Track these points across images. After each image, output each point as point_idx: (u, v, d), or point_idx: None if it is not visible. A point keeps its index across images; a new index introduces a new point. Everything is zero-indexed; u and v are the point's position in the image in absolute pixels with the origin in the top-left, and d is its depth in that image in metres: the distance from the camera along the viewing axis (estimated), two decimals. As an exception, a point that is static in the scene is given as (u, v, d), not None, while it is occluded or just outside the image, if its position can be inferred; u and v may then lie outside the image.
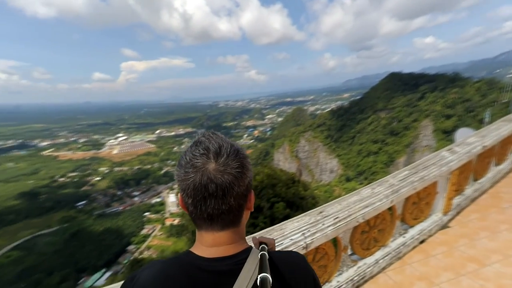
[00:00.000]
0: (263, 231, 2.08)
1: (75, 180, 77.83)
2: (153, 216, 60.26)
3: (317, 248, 2.09)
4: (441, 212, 3.19)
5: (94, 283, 37.32)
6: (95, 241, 48.73)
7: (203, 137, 0.68)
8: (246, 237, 0.78)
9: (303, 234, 1.98)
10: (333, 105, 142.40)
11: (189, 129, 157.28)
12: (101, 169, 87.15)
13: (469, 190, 3.76)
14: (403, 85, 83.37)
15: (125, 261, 42.78)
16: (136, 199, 68.66)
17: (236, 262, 0.66)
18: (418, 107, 72.21)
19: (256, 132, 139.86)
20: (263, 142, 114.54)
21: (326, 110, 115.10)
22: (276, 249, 1.74)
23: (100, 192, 69.95)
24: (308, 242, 1.94)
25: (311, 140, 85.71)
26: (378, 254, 2.52)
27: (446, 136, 59.60)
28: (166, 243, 48.51)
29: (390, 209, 2.67)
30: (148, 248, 48.21)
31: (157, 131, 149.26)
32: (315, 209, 2.32)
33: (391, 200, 2.53)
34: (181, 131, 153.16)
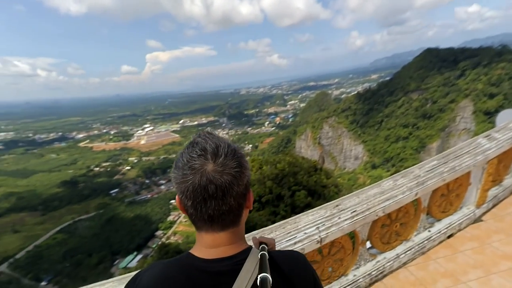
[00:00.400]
0: (277, 224, 2.11)
1: (108, 169, 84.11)
2: None
3: (332, 242, 2.08)
4: (474, 204, 2.97)
5: (127, 264, 40.57)
6: (127, 226, 52.65)
7: (199, 138, 0.68)
8: (246, 237, 0.80)
9: (318, 228, 1.98)
10: (359, 88, 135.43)
11: (211, 118, 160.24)
12: (131, 159, 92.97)
13: (508, 181, 3.44)
14: (440, 62, 76.21)
15: (154, 246, 45.90)
16: (162, 187, 72.61)
17: (235, 263, 0.66)
18: (457, 86, 66.01)
19: (277, 119, 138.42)
20: (284, 129, 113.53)
21: (352, 94, 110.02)
22: (288, 244, 1.75)
23: (130, 180, 75.09)
24: (322, 236, 1.94)
25: (335, 126, 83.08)
26: (400, 249, 2.44)
27: (488, 118, 54.24)
28: (190, 229, 50.51)
29: (414, 201, 2.55)
30: (174, 233, 51.14)
31: (181, 121, 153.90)
32: (331, 202, 2.28)
33: (416, 193, 2.41)
34: (204, 120, 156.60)
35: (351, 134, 79.10)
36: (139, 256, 43.28)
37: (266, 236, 1.03)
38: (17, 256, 44.59)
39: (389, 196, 2.30)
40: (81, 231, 51.65)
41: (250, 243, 0.81)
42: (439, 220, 2.79)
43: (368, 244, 2.44)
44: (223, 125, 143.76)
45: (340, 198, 2.34)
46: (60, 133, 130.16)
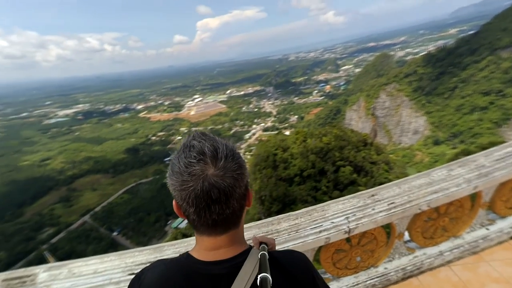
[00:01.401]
0: (303, 210, 2.13)
1: (162, 139, 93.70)
2: None
3: (363, 232, 2.03)
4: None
5: (177, 225, 45.56)
6: None
7: (194, 140, 0.67)
8: (246, 236, 0.79)
9: (347, 218, 1.94)
10: (431, 47, 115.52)
11: (258, 87, 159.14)
12: (182, 129, 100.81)
13: None
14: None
15: None
16: None
17: (234, 265, 0.67)
18: None
19: (328, 87, 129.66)
20: (334, 98, 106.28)
21: (420, 54, 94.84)
22: (312, 232, 1.76)
23: None
24: (351, 227, 1.90)
25: (394, 94, 74.01)
26: (445, 246, 2.24)
27: None
28: None
29: (473, 194, 2.24)
30: None
31: (228, 91, 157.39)
32: (366, 190, 2.17)
33: (475, 186, 2.11)
34: (250, 89, 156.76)
35: (412, 104, 69.63)
36: (186, 221, 49.46)
37: (266, 236, 1.05)
38: (96, 210, 54.81)
39: (438, 189, 2.07)
40: (142, 193, 60.02)
41: (250, 242, 0.82)
42: (503, 217, 2.42)
43: (406, 237, 2.31)
44: (269, 94, 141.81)
45: (377, 187, 2.21)
46: (124, 105, 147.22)
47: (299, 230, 1.90)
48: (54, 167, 72.17)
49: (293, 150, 29.52)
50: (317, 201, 24.16)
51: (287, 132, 67.24)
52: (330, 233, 1.87)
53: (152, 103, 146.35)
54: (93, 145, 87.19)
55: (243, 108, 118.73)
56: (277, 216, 2.10)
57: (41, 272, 1.78)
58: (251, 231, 1.92)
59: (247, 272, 0.65)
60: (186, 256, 0.72)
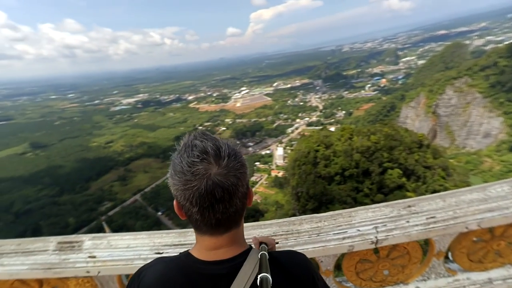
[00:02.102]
0: (328, 213, 2.04)
1: (208, 129, 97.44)
2: (261, 166, 68.65)
3: (394, 245, 1.87)
4: None
5: (250, 205, 49.64)
6: None
7: (195, 140, 0.67)
8: (247, 236, 0.82)
9: (376, 227, 1.80)
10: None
11: (306, 80, 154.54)
12: (227, 120, 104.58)
13: None
14: None
15: None
16: (250, 149, 78.85)
17: (234, 265, 0.68)
18: None
19: (383, 81, 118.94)
20: (389, 93, 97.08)
21: (505, 43, 79.70)
22: (335, 237, 1.70)
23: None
24: (379, 238, 1.76)
25: (463, 90, 63.61)
26: (497, 273, 1.91)
27: None
28: (269, 192, 55.07)
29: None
30: (255, 193, 56.93)
31: (275, 84, 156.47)
32: (402, 200, 1.98)
33: (547, 208, 1.75)
34: (297, 82, 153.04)
35: (487, 102, 59.34)
36: None
37: (267, 236, 1.05)
38: (146, 190, 60.78)
39: (495, 207, 1.78)
40: None
41: (250, 242, 0.84)
42: None
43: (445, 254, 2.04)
44: (317, 88, 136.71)
45: (417, 197, 1.99)
46: (177, 95, 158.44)
47: (321, 234, 1.84)
48: (115, 149, 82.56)
49: (336, 148, 28.19)
50: (356, 203, 22.78)
51: (332, 128, 64.58)
52: (354, 241, 1.77)
53: (202, 94, 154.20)
54: (148, 132, 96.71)
55: (288, 102, 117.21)
56: (299, 217, 2.06)
57: (87, 240, 2.08)
58: (272, 228, 1.93)
59: (247, 272, 0.66)
60: (186, 255, 0.72)
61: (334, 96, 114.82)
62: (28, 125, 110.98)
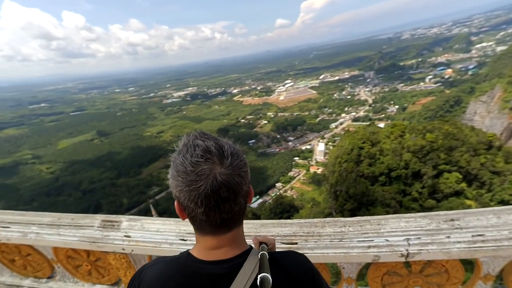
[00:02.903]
0: (354, 218, 1.90)
1: (250, 122, 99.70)
2: (300, 161, 66.91)
3: (430, 261, 1.66)
4: None
5: (252, 202, 50.01)
6: (255, 173, 62.06)
7: (197, 139, 0.67)
8: (247, 235, 0.80)
9: (408, 239, 1.62)
10: None
11: (355, 72, 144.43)
12: (269, 113, 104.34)
13: None
14: None
15: (273, 194, 52.78)
16: (290, 143, 77.83)
17: (234, 265, 0.68)
18: None
19: (449, 72, 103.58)
20: (455, 86, 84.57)
21: None
22: (358, 245, 1.61)
23: (264, 134, 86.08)
24: (411, 251, 1.59)
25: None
26: None
27: None
28: (306, 188, 53.59)
29: None
30: (291, 188, 55.52)
31: (321, 76, 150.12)
32: (444, 212, 1.73)
33: None
34: (346, 74, 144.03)
35: None
36: (260, 200, 51.49)
37: (267, 236, 1.05)
38: None
39: None
40: None
41: (250, 242, 0.83)
42: None
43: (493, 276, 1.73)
44: (368, 80, 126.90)
45: (462, 211, 1.73)
46: (223, 88, 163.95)
47: (344, 240, 1.74)
48: (165, 139, 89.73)
49: (384, 145, 25.97)
50: (402, 207, 20.75)
51: (381, 124, 59.54)
52: (381, 252, 1.63)
53: (246, 88, 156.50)
54: (194, 123, 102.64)
55: (335, 95, 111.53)
56: (323, 219, 1.97)
57: (124, 221, 2.32)
58: (292, 228, 1.89)
59: (247, 273, 0.66)
60: (187, 255, 0.72)
61: (386, 89, 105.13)
62: (96, 115, 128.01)
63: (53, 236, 2.35)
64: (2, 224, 2.54)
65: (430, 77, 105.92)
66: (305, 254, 1.67)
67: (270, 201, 46.27)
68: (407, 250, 1.58)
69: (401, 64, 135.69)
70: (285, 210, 34.35)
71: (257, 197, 53.57)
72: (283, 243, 1.82)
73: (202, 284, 0.66)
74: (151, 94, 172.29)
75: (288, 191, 53.82)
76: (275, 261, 0.71)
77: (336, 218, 1.93)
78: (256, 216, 35.17)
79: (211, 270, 0.67)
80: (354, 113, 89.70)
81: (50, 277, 2.77)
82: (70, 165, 72.06)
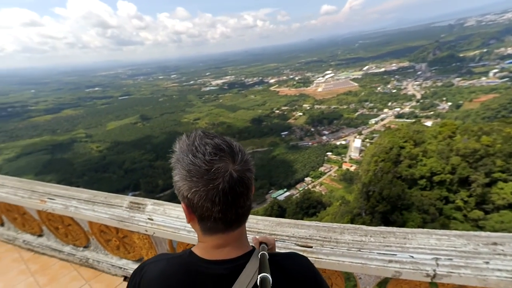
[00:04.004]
0: (377, 228, 1.76)
1: (284, 113, 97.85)
2: (333, 157, 64.42)
3: (461, 286, 1.47)
4: None
5: (277, 196, 49.09)
6: (285, 165, 62.17)
7: (205, 138, 0.67)
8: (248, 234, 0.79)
9: (437, 259, 1.45)
10: None
11: (405, 64, 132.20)
12: (305, 105, 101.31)
13: None
14: None
15: (301, 189, 51.68)
16: (324, 137, 75.02)
17: (236, 266, 0.68)
18: None
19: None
20: (527, 81, 72.89)
21: None
22: (378, 257, 1.53)
23: (298, 126, 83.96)
24: (439, 272, 1.42)
25: None
26: None
27: None
28: (336, 185, 51.67)
29: None
30: (321, 184, 53.89)
31: (365, 67, 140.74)
32: (486, 234, 1.51)
33: None
34: (394, 66, 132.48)
35: None
36: (287, 193, 51.01)
37: (267, 236, 1.06)
38: None
39: None
40: (255, 160, 67.13)
41: (251, 242, 0.83)
42: None
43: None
44: (418, 72, 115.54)
45: (509, 234, 1.48)
46: (260, 78, 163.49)
47: (363, 250, 1.62)
48: (200, 126, 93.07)
49: (428, 146, 23.70)
50: (441, 215, 18.88)
51: (429, 123, 54.73)
52: (404, 268, 1.49)
53: (284, 78, 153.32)
54: (229, 112, 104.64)
55: (378, 88, 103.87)
56: (343, 225, 1.87)
57: (149, 205, 2.46)
58: (308, 231, 1.82)
59: (249, 275, 0.66)
60: (189, 253, 0.72)
61: (439, 84, 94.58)
62: (141, 100, 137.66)
63: (89, 211, 2.60)
64: (49, 196, 2.89)
65: (495, 71, 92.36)
66: (319, 260, 1.62)
67: (297, 195, 45.77)
68: (434, 270, 1.42)
69: (461, 55, 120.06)
70: (312, 205, 33.66)
71: (285, 189, 53.37)
72: (298, 245, 1.77)
73: (204, 283, 0.66)
74: (191, 82, 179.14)
75: (317, 187, 52.57)
76: (277, 263, 0.70)
77: (357, 226, 1.81)
78: (282, 209, 35.04)
79: (213, 270, 0.67)
80: (398, 109, 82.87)
81: (86, 247, 3.10)
82: (116, 145, 79.33)
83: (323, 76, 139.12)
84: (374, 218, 21.21)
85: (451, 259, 1.42)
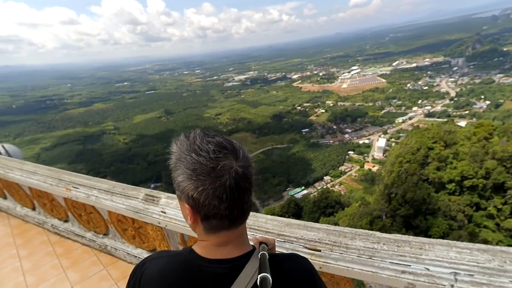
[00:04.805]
0: (392, 236, 1.65)
1: (306, 109, 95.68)
2: (355, 156, 62.08)
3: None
4: None
5: (294, 194, 48.21)
6: (304, 163, 61.00)
7: (206, 137, 0.67)
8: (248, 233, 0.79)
9: (455, 274, 1.34)
10: None
11: (439, 59, 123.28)
12: (328, 102, 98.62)
13: None
14: None
15: (319, 187, 50.43)
16: (346, 136, 72.44)
17: (235, 266, 0.68)
18: None
19: None
20: None
21: None
22: (390, 267, 1.47)
23: (320, 123, 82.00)
24: (458, 288, 1.30)
25: None
26: None
27: None
28: (356, 186, 49.82)
29: None
30: (340, 184, 52.26)
31: (395, 63, 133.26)
32: (517, 249, 1.35)
33: None
34: (427, 61, 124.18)
35: None
36: (305, 191, 50.05)
37: (268, 236, 1.06)
38: None
39: None
40: (274, 157, 67.19)
41: (251, 242, 0.83)
42: None
43: None
44: (454, 68, 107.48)
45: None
46: (283, 73, 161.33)
47: (374, 258, 1.54)
48: (221, 121, 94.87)
49: (461, 148, 22.08)
50: (471, 222, 17.56)
51: (463, 123, 51.03)
52: (418, 281, 1.39)
53: (308, 73, 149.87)
54: (250, 108, 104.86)
55: (408, 85, 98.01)
56: (354, 230, 1.79)
57: (163, 198, 2.53)
58: (318, 234, 1.77)
59: (248, 275, 0.66)
60: (189, 251, 0.72)
61: (478, 80, 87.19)
62: (166, 94, 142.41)
63: (108, 201, 2.73)
64: (74, 185, 3.07)
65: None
66: (327, 264, 1.57)
67: (315, 193, 44.73)
68: (452, 286, 1.31)
69: (505, 49, 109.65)
70: (329, 205, 32.77)
71: (302, 187, 52.57)
72: (306, 247, 1.72)
73: (203, 281, 0.66)
74: (215, 77, 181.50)
75: (336, 186, 51.13)
76: (277, 264, 0.70)
77: (370, 232, 1.73)
78: (298, 207, 34.47)
79: (213, 269, 0.68)
80: (428, 107, 77.86)
81: (105, 234, 3.27)
82: (141, 138, 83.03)
83: (348, 72, 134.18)
84: (395, 221, 20.31)
85: (472, 275, 1.30)
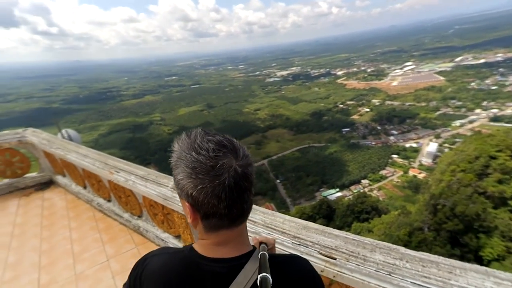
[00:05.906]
0: (415, 253, 1.49)
1: (349, 108, 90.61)
2: (399, 160, 57.12)
3: None
4: None
5: (327, 195, 46.32)
6: (341, 164, 58.29)
7: (207, 136, 0.68)
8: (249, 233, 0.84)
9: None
10: None
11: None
12: (374, 100, 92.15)
13: None
14: None
15: (355, 191, 47.72)
16: (391, 138, 67.04)
17: (235, 265, 0.68)
18: None
19: None
20: None
21: None
22: (410, 287, 1.38)
23: (362, 123, 76.97)
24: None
25: None
26: None
27: None
28: (398, 193, 45.94)
29: None
30: (379, 189, 48.76)
31: (458, 58, 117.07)
32: None
33: None
34: (498, 56, 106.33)
35: None
36: (339, 194, 47.98)
37: (268, 236, 1.07)
38: (273, 158, 67.15)
39: None
40: (310, 155, 65.35)
41: (251, 242, 0.83)
42: None
43: None
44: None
45: None
46: (327, 69, 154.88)
47: (394, 274, 1.41)
48: (260, 117, 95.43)
49: (532, 160, 18.84)
50: None
51: (537, 129, 43.31)
52: (443, 308, 1.25)
53: (354, 69, 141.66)
54: (290, 104, 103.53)
55: (472, 84, 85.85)
56: (375, 241, 1.66)
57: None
58: (335, 241, 1.68)
59: (247, 275, 0.66)
60: (190, 249, 0.73)
61: None
62: (209, 89, 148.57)
63: (142, 187, 2.97)
64: (116, 169, 3.40)
65: None
66: (341, 274, 1.48)
67: (350, 196, 42.80)
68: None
69: None
70: (365, 210, 30.76)
71: (337, 189, 50.62)
72: (321, 253, 1.65)
73: (202, 279, 0.67)
74: (257, 72, 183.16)
75: (374, 191, 48.02)
76: (277, 264, 0.70)
77: (393, 246, 1.59)
78: (330, 209, 33.04)
79: (212, 268, 0.68)
80: (495, 110, 67.43)
81: (139, 216, 3.57)
82: (183, 129, 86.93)
83: (401, 68, 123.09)
84: (440, 235, 18.24)
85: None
